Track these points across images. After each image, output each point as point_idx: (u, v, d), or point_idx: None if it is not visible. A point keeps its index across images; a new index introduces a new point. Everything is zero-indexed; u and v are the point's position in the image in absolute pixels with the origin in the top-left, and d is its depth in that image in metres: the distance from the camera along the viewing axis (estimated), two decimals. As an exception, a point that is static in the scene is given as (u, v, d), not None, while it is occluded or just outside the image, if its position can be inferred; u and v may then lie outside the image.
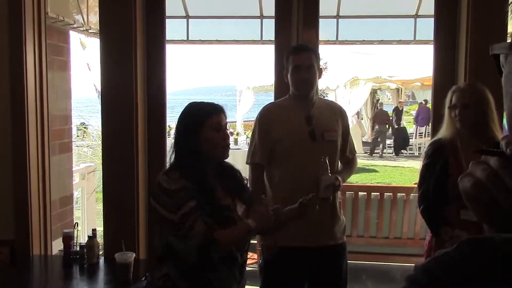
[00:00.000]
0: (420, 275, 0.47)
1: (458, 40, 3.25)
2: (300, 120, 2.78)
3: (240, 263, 2.16)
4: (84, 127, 9.99)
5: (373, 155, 15.30)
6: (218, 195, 2.09)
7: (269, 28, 5.37)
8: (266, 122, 2.83)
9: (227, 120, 2.18)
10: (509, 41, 0.57)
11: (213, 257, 1.99)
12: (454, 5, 3.26)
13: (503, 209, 0.60)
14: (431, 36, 3.42)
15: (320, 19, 3.98)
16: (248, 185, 2.40)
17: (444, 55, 3.30)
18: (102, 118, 3.42)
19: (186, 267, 2.04)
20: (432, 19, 3.37)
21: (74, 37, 4.97)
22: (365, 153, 15.49)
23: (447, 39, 3.27)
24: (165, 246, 2.07)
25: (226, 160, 2.25)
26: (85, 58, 7.04)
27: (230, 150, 2.20)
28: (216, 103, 2.19)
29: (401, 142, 15.30)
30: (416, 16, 5.28)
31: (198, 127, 2.08)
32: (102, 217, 3.58)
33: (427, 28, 5.03)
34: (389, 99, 20.91)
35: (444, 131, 2.76)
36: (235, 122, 15.35)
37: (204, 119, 2.08)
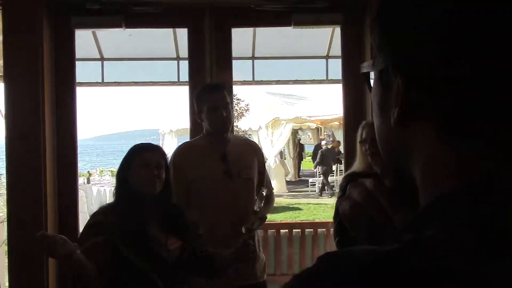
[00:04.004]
0: None
1: (364, 78, 3.40)
2: (216, 159, 2.76)
3: None
4: (-1, 176, 9.42)
5: (297, 193, 15.54)
6: (151, 231, 2.18)
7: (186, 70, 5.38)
8: (180, 163, 2.79)
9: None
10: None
11: None
12: (359, 46, 3.44)
13: (378, 226, 0.62)
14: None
15: (236, 60, 4.05)
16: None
17: (352, 92, 3.45)
18: (6, 167, 3.21)
19: None
20: (342, 60, 3.54)
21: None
22: (290, 192, 15.70)
23: (354, 77, 3.43)
24: None
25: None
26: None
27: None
28: (152, 143, 2.41)
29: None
30: (327, 57, 5.53)
31: (127, 165, 2.25)
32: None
33: (338, 68, 5.28)
34: (311, 139, 21.54)
35: (357, 165, 2.84)
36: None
37: (132, 156, 2.26)
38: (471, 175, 0.50)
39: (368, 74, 0.63)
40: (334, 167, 16.09)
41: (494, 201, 0.47)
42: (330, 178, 15.38)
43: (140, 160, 2.23)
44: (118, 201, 2.24)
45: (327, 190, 14.91)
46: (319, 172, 15.64)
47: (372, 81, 0.61)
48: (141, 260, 2.10)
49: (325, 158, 15.20)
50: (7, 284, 3.45)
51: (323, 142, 16.05)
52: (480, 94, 0.50)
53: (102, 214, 2.21)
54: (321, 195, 14.93)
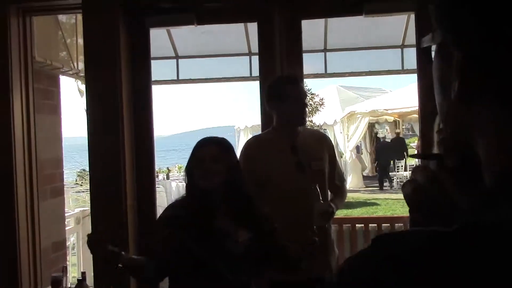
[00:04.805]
0: (336, 277, 0.45)
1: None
2: (286, 152, 2.75)
3: None
4: (85, 173, 9.96)
5: (375, 188, 15.18)
6: (219, 224, 2.22)
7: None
8: (250, 158, 2.80)
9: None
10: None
11: None
12: (434, 32, 3.27)
13: (439, 209, 0.59)
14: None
15: (308, 53, 4.01)
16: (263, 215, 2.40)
17: (429, 82, 3.30)
18: (89, 164, 3.38)
19: None
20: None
21: (69, 82, 5.00)
22: (367, 187, 15.37)
23: (431, 66, 3.28)
24: None
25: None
26: (83, 104, 7.10)
27: None
28: (211, 137, 2.39)
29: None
30: (402, 46, 5.34)
31: (190, 160, 2.33)
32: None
33: (414, 57, 5.09)
34: (388, 132, 20.91)
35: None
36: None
37: (193, 152, 2.32)
38: None
39: (429, 49, 0.60)
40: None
41: None
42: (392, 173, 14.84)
43: (196, 155, 2.29)
44: (186, 195, 2.37)
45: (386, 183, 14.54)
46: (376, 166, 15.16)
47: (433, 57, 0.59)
48: (205, 252, 2.14)
49: (379, 151, 14.88)
50: (92, 274, 3.63)
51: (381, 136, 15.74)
52: None
53: (171, 209, 2.35)
54: (380, 189, 14.58)
